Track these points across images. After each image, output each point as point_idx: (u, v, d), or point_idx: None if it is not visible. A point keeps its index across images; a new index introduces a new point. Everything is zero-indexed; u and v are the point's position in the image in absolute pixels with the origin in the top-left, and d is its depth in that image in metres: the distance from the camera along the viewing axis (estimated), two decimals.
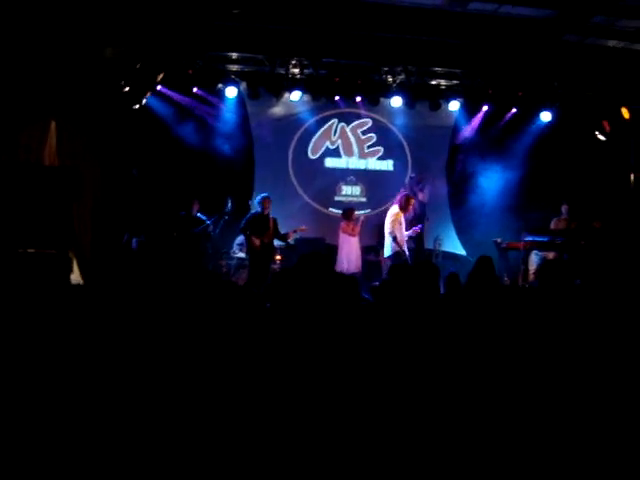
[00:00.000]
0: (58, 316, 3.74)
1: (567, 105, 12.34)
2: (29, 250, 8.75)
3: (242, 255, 11.05)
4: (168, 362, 2.84)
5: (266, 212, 10.29)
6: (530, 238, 10.68)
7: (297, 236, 11.17)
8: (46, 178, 9.21)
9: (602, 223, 11.06)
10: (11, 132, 9.78)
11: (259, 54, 11.47)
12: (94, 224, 10.84)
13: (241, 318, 3.25)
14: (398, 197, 10.47)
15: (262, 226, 10.22)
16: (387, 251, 10.08)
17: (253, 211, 10.61)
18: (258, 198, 10.46)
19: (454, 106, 12.69)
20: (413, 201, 10.46)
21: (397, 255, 9.83)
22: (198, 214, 10.82)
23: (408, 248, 10.18)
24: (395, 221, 9.95)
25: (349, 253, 11.04)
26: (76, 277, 9.26)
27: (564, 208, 11.63)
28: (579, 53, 11.36)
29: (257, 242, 10.12)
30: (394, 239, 9.87)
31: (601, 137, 12.36)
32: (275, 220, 10.44)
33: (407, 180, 12.61)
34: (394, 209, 10.16)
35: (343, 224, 11.27)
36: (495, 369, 2.91)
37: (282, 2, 10.17)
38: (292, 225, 10.92)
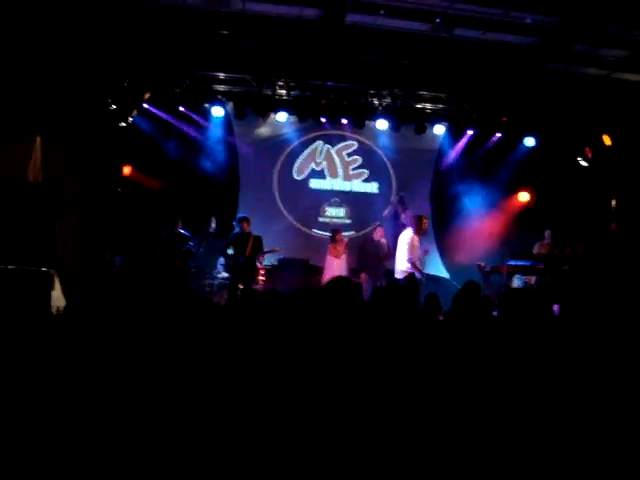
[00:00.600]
0: (37, 334, 3.71)
1: (550, 131, 12.47)
2: (9, 267, 8.69)
3: (225, 275, 11.03)
4: (150, 381, 2.82)
5: (246, 231, 10.36)
6: (513, 262, 10.72)
7: (273, 257, 11.23)
8: (28, 194, 9.17)
9: (584, 248, 11.13)
10: None
11: (246, 74, 11.55)
12: (77, 241, 10.78)
13: (220, 338, 3.25)
14: (409, 220, 10.10)
15: (241, 245, 10.28)
16: (399, 274, 9.69)
17: (234, 231, 10.62)
18: (236, 219, 10.56)
19: (439, 130, 12.81)
20: (426, 221, 10.08)
21: (411, 278, 9.54)
22: (181, 230, 10.79)
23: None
24: (412, 246, 9.58)
25: (333, 275, 11.00)
26: (58, 294, 9.19)
27: (547, 233, 11.73)
28: (562, 80, 11.51)
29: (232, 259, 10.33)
30: (413, 265, 9.58)
31: (583, 163, 12.50)
32: (257, 238, 10.45)
33: (393, 198, 12.62)
34: (408, 233, 9.69)
35: (330, 246, 11.29)
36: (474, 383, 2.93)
37: (269, 24, 10.24)
38: (276, 245, 10.93)
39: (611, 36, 10.01)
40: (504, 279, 10.78)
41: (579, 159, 12.53)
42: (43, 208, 9.17)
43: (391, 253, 10.62)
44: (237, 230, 10.45)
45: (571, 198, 12.50)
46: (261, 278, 11.05)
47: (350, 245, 11.47)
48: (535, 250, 11.64)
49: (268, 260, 11.56)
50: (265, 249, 10.56)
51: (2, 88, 9.81)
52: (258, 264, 10.65)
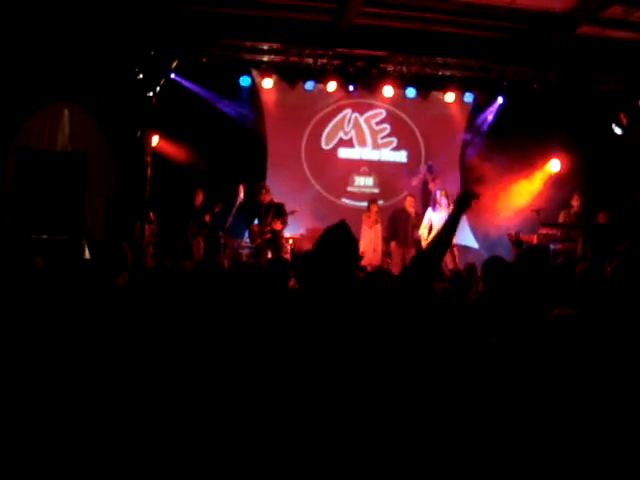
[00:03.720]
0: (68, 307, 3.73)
1: (583, 98, 12.21)
2: (42, 236, 8.81)
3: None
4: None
5: (266, 201, 10.34)
6: (545, 231, 10.56)
7: (301, 227, 11.23)
8: (57, 164, 9.25)
9: (608, 216, 10.92)
10: (22, 117, 9.82)
11: (274, 43, 11.45)
12: (106, 212, 10.88)
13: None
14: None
15: (264, 214, 10.30)
16: None
17: (255, 201, 10.61)
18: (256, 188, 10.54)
19: (468, 98, 12.63)
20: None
21: None
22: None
23: None
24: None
25: (365, 245, 11.01)
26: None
27: (575, 201, 11.43)
28: (595, 45, 11.28)
29: (256, 229, 10.26)
30: None
31: (618, 130, 12.23)
32: (279, 206, 10.43)
33: (422, 167, 12.47)
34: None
35: (364, 215, 11.39)
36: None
37: None
38: (304, 215, 10.93)
39: None
40: None
41: (613, 126, 12.25)
42: (72, 178, 9.26)
43: (420, 223, 10.87)
44: (257, 200, 10.45)
45: (604, 166, 12.28)
46: (289, 246, 11.03)
47: (379, 214, 11.47)
48: (561, 219, 11.43)
49: (296, 230, 11.56)
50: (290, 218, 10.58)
51: (30, 59, 9.86)
52: (283, 232, 10.63)
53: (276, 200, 10.62)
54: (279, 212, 10.39)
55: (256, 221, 10.45)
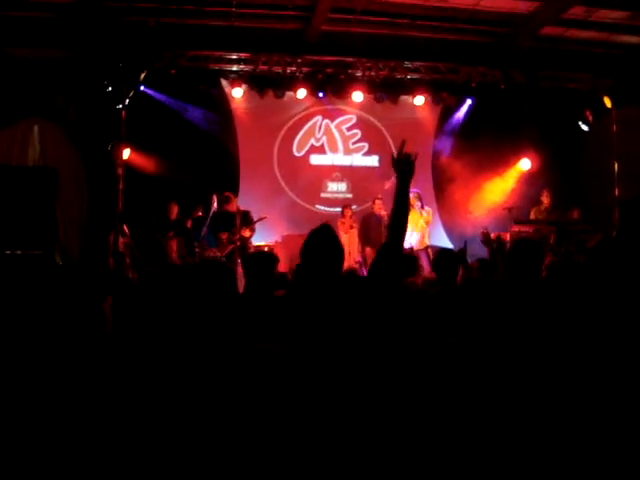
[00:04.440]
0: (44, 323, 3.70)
1: (550, 96, 12.38)
2: (17, 252, 8.75)
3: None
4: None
5: (232, 210, 10.33)
6: (517, 228, 10.68)
7: (275, 234, 11.33)
8: (28, 179, 9.19)
9: (580, 213, 11.09)
10: None
11: (242, 52, 11.49)
12: (80, 225, 10.81)
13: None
14: None
15: (230, 224, 10.27)
16: None
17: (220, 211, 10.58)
18: (221, 199, 10.50)
19: (438, 101, 12.75)
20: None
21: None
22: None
23: None
24: None
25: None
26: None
27: (544, 198, 11.59)
28: (560, 44, 11.49)
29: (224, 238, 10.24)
30: None
31: (584, 127, 12.43)
32: (245, 213, 10.42)
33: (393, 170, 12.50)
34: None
35: (339, 221, 11.46)
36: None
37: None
38: (278, 222, 10.94)
39: None
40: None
41: (580, 123, 12.45)
42: (43, 193, 9.20)
43: None
44: (223, 209, 10.44)
45: (572, 163, 12.48)
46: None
47: (354, 219, 11.56)
48: (532, 215, 11.57)
49: (271, 237, 11.57)
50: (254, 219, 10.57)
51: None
52: (251, 240, 10.62)
53: (247, 208, 10.61)
54: (246, 220, 10.39)
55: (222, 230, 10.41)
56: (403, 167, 2.93)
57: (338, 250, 2.93)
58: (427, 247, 11.13)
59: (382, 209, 11.29)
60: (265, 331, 2.76)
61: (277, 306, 3.12)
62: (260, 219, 10.64)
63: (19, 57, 10.02)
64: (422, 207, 11.03)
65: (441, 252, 5.02)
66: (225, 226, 10.27)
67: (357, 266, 10.93)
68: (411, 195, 10.76)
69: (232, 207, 10.40)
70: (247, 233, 10.31)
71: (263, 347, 2.56)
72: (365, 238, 11.50)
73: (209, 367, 2.62)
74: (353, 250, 11.31)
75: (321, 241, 2.93)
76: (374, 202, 11.48)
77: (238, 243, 10.18)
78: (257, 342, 2.60)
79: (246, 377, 2.56)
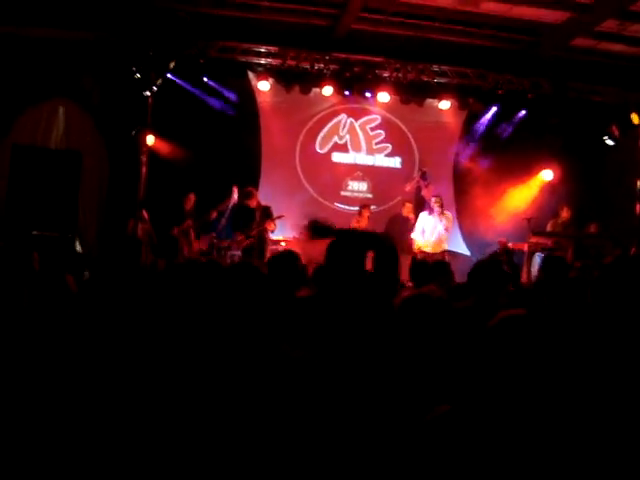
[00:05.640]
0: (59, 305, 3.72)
1: (577, 109, 12.31)
2: (33, 232, 8.79)
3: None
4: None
5: (252, 206, 10.36)
6: (535, 240, 10.64)
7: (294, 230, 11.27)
8: (51, 161, 9.23)
9: (598, 227, 11.03)
10: (17, 113, 9.80)
11: (271, 46, 11.50)
12: (99, 210, 10.87)
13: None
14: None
15: (250, 220, 10.32)
16: None
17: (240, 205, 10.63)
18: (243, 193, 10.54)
19: (464, 106, 12.70)
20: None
21: None
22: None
23: None
24: None
25: None
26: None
27: (564, 211, 11.52)
28: (590, 57, 11.40)
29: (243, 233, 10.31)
30: None
31: (610, 142, 12.33)
32: (265, 209, 10.45)
33: (415, 174, 12.45)
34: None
35: (354, 219, 11.43)
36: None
37: None
38: (296, 218, 10.94)
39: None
40: (525, 256, 10.71)
41: (605, 138, 12.35)
42: (66, 176, 9.24)
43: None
44: (243, 204, 10.48)
45: (595, 177, 12.40)
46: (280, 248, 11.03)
47: (372, 220, 11.50)
48: (548, 227, 11.52)
49: (288, 233, 11.58)
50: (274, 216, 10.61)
51: (27, 56, 9.86)
52: (270, 235, 10.63)
53: (266, 201, 10.69)
54: (268, 214, 10.44)
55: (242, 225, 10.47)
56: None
57: (394, 263, 2.90)
58: (444, 252, 11.08)
59: (411, 212, 11.30)
60: (287, 333, 2.75)
61: (301, 308, 3.10)
62: (278, 217, 10.68)
63: (47, 38, 10.06)
64: (442, 213, 10.97)
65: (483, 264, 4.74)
66: (244, 221, 10.30)
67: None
68: (432, 199, 10.81)
69: (253, 202, 10.44)
70: (271, 226, 10.39)
71: (284, 349, 2.56)
72: None
73: (228, 365, 2.63)
74: None
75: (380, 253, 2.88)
76: (403, 205, 11.53)
77: (254, 239, 10.22)
78: (281, 344, 2.60)
79: (263, 378, 2.57)
